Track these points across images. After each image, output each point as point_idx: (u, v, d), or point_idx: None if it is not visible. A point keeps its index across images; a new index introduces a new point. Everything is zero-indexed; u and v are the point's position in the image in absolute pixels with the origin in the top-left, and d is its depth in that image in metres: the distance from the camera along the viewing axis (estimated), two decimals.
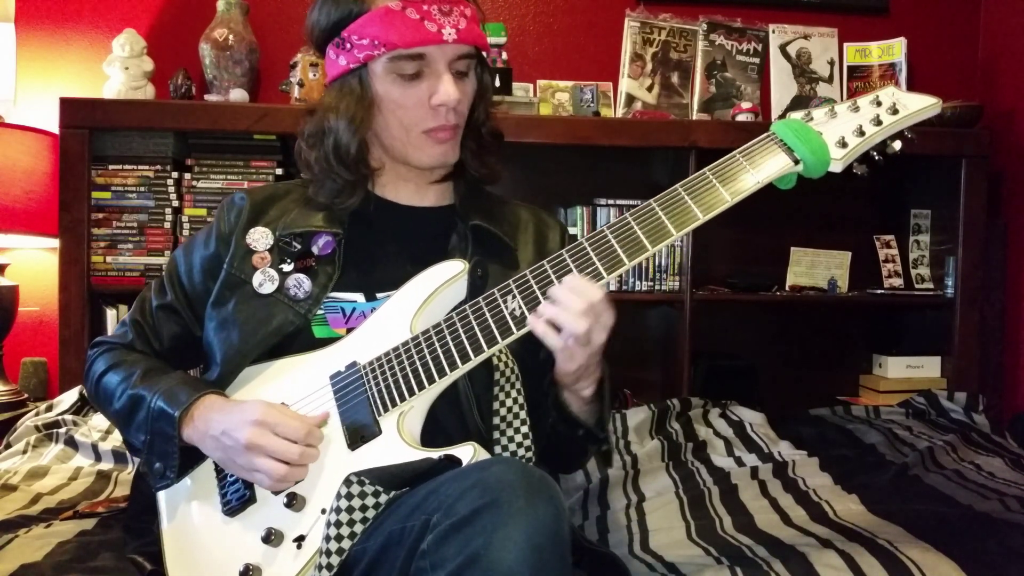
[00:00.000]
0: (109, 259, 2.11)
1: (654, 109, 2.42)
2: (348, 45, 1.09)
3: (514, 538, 0.79)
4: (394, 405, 1.01)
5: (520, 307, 1.00)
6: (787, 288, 2.33)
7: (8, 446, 1.70)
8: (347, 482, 0.93)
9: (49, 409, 1.87)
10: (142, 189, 2.13)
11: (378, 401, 1.01)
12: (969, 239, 2.24)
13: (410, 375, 1.01)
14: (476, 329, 1.00)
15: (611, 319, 0.98)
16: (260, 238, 1.15)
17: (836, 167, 1.05)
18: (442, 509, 0.83)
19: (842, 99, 2.43)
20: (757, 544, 1.19)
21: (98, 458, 1.61)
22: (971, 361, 2.25)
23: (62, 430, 1.71)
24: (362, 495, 0.93)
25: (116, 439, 1.71)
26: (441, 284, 1.07)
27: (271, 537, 0.97)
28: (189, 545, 1.05)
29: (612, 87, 2.45)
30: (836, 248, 2.41)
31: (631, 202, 2.26)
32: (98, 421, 1.79)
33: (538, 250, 1.21)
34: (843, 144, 1.04)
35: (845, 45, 2.47)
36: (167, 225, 2.13)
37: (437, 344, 1.02)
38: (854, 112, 1.07)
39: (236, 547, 1.00)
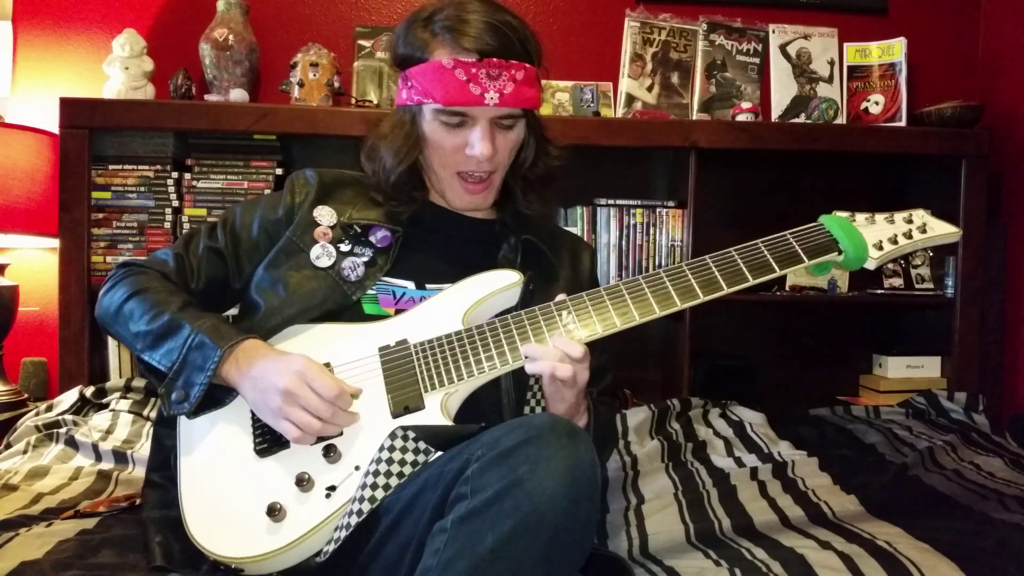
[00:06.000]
0: (109, 259, 2.11)
1: (654, 109, 2.41)
2: (409, 83, 1.20)
3: (557, 469, 0.85)
4: (441, 385, 1.09)
5: (573, 322, 1.11)
6: (787, 288, 2.33)
7: (8, 446, 1.70)
8: (392, 435, 1.00)
9: (49, 409, 1.87)
10: (142, 189, 2.13)
11: (427, 379, 1.10)
12: (969, 239, 2.24)
13: (460, 362, 1.10)
14: (530, 334, 1.11)
15: (587, 373, 1.11)
16: (326, 215, 1.26)
17: (871, 265, 1.19)
18: (485, 446, 0.89)
19: (842, 99, 2.44)
20: (756, 546, 1.19)
21: (98, 458, 1.61)
22: (971, 361, 2.25)
23: (62, 430, 1.71)
24: (403, 449, 1.00)
25: (116, 439, 1.71)
26: (497, 289, 1.18)
27: (303, 481, 1.02)
28: (212, 480, 1.08)
29: (612, 87, 2.45)
30: None
31: (631, 202, 2.26)
32: (98, 421, 1.79)
33: (573, 269, 1.35)
34: (879, 247, 1.19)
35: (845, 45, 2.46)
36: (167, 225, 2.13)
37: (490, 339, 1.12)
38: (890, 223, 1.22)
39: (264, 485, 1.04)
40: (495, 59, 1.15)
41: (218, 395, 1.11)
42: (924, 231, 1.21)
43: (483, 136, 1.17)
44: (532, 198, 1.30)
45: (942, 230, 1.22)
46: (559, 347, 1.07)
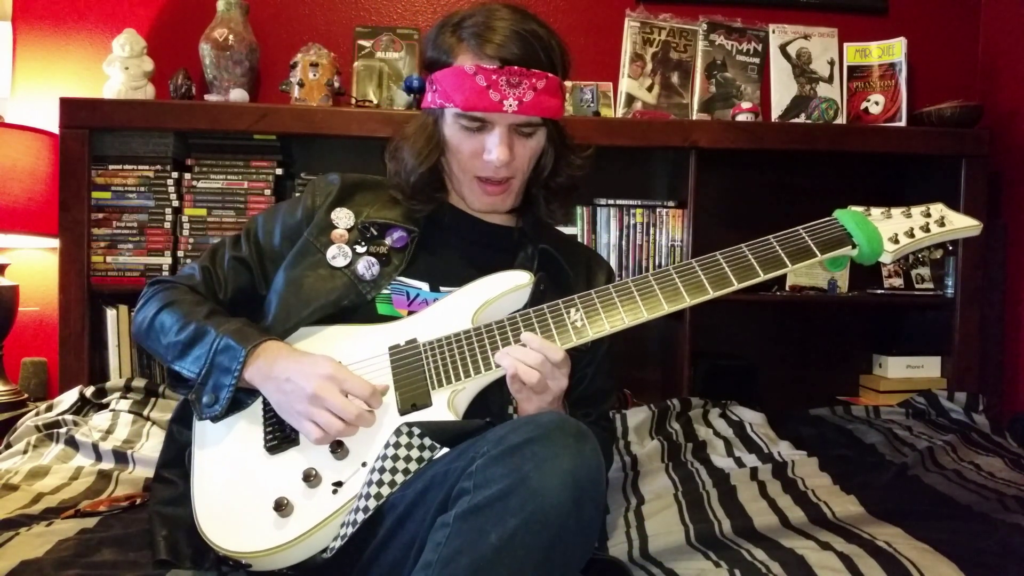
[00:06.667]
0: (109, 259, 2.11)
1: (654, 109, 2.41)
2: (434, 87, 1.22)
3: (561, 469, 0.85)
4: (449, 382, 1.10)
5: (581, 319, 1.11)
6: (787, 288, 2.33)
7: (8, 446, 1.70)
8: (398, 432, 1.01)
9: (49, 409, 1.87)
10: (142, 189, 2.13)
11: (434, 376, 1.11)
12: (969, 239, 2.23)
13: (468, 359, 1.11)
14: (537, 331, 1.11)
15: (565, 380, 1.10)
16: (344, 218, 1.27)
17: (887, 258, 1.17)
18: (491, 443, 0.89)
19: (842, 99, 2.44)
20: (756, 547, 1.19)
21: (99, 458, 1.61)
22: (971, 361, 2.25)
23: (62, 430, 1.71)
24: (409, 446, 1.01)
25: (116, 439, 1.71)
26: (508, 289, 1.18)
27: (310, 477, 1.03)
28: (222, 476, 1.10)
29: (612, 87, 2.45)
30: None
31: (631, 202, 2.26)
32: (98, 421, 1.79)
33: (587, 285, 1.32)
34: (895, 240, 1.17)
35: (845, 45, 2.46)
36: (167, 225, 2.13)
37: (498, 337, 1.12)
38: (906, 217, 1.20)
39: (273, 481, 1.06)
40: (516, 67, 1.16)
41: (239, 397, 1.12)
42: (942, 224, 1.18)
43: (500, 141, 1.18)
44: (555, 207, 1.32)
45: (961, 223, 1.19)
46: (539, 349, 1.07)
